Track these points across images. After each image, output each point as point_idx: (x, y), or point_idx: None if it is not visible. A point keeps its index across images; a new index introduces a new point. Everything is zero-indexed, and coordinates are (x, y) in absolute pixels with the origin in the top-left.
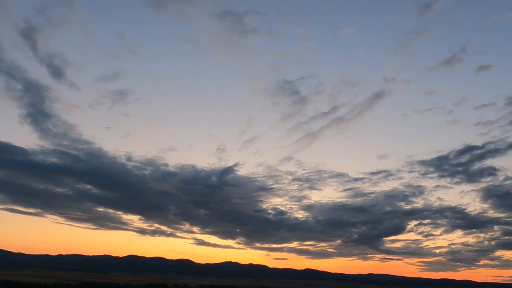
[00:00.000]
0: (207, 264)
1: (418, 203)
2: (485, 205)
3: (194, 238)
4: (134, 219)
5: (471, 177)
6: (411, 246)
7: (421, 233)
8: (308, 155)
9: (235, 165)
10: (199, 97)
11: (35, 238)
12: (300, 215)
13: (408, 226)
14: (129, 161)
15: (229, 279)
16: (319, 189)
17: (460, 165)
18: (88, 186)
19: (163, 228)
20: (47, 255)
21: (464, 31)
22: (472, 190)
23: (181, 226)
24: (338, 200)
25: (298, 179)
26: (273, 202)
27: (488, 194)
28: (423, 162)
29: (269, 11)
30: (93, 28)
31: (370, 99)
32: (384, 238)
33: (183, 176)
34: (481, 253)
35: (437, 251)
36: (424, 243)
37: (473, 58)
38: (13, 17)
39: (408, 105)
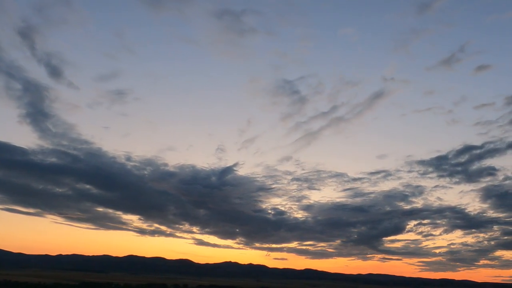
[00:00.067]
0: (207, 264)
1: (418, 203)
2: (485, 205)
3: (194, 238)
4: (133, 219)
5: (471, 177)
6: (411, 246)
7: (420, 233)
8: (308, 155)
9: (235, 165)
10: (198, 97)
11: (35, 238)
12: (300, 215)
13: (408, 226)
14: (128, 161)
15: (229, 279)
16: (318, 189)
17: (459, 165)
18: (88, 186)
19: (163, 228)
20: (46, 255)
21: (463, 31)
22: (471, 190)
23: (181, 226)
24: (338, 200)
25: (297, 179)
26: (273, 202)
27: (488, 194)
28: (422, 162)
29: (267, 10)
30: (91, 27)
31: (369, 99)
32: (384, 238)
33: (182, 176)
34: (480, 253)
35: (437, 251)
36: (424, 243)
37: (472, 57)
38: (12, 17)
39: (407, 105)
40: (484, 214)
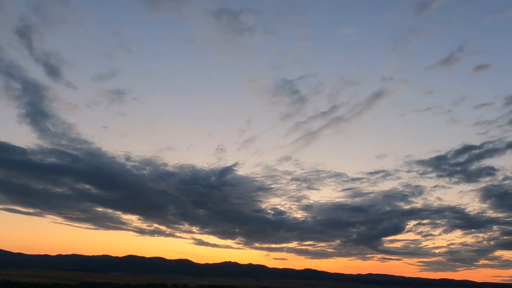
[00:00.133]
0: (207, 264)
1: (417, 203)
2: (484, 205)
3: (193, 238)
4: (133, 219)
5: (470, 177)
6: (410, 246)
7: (420, 233)
8: (307, 155)
9: (235, 165)
10: (197, 97)
11: (34, 238)
12: (299, 215)
13: (407, 226)
14: (128, 161)
15: (229, 279)
16: (318, 189)
17: (458, 164)
18: (87, 186)
19: (162, 228)
20: (46, 255)
21: (462, 30)
22: (471, 190)
23: (180, 226)
24: (337, 200)
25: (296, 179)
26: (272, 202)
27: (487, 194)
28: (421, 162)
29: (265, 9)
30: (89, 27)
31: (369, 98)
32: (383, 238)
33: (182, 176)
34: (480, 253)
35: (436, 251)
36: (423, 243)
37: (471, 57)
38: (10, 16)
39: (407, 104)
40: (484, 214)
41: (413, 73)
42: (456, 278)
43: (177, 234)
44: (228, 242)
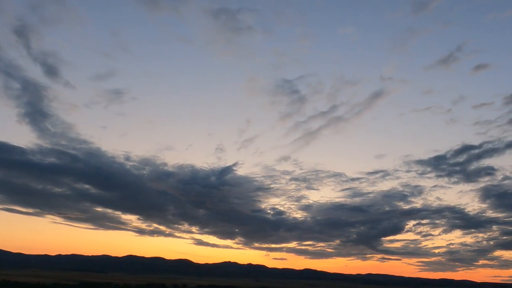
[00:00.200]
0: (206, 264)
1: (417, 203)
2: (484, 205)
3: (193, 238)
4: (132, 219)
5: (469, 176)
6: (410, 246)
7: (419, 233)
8: (306, 155)
9: (234, 164)
10: (197, 96)
11: (34, 238)
12: (299, 215)
13: (407, 226)
14: (127, 161)
15: (228, 279)
16: (317, 189)
17: (458, 164)
18: (87, 186)
19: (162, 228)
20: (46, 255)
21: (461, 30)
22: (470, 190)
23: (180, 226)
24: (336, 200)
25: (296, 179)
26: (271, 202)
27: (487, 194)
28: (420, 162)
29: (263, 9)
30: (87, 26)
31: (368, 98)
32: (383, 238)
33: (181, 175)
34: (479, 253)
35: (436, 251)
36: (423, 243)
37: (470, 57)
38: (8, 15)
39: (406, 104)
40: (483, 214)
41: (412, 72)
42: (455, 278)
43: (176, 234)
44: (228, 242)
